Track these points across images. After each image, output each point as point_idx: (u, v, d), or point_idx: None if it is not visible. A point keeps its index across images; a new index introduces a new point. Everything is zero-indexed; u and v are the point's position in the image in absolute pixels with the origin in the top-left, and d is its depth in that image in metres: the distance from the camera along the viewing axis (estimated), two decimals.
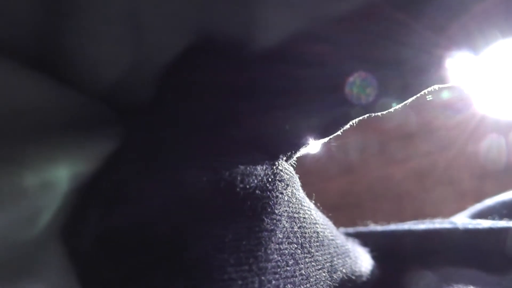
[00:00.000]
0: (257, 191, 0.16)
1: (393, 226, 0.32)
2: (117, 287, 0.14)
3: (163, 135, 0.16)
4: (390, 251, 0.28)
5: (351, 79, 0.17)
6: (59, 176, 0.13)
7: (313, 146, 0.20)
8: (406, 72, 0.17)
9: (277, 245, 0.17)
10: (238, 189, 0.16)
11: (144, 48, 0.16)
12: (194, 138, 0.16)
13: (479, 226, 0.28)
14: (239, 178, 0.16)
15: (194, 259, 0.14)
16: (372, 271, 0.26)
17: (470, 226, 0.28)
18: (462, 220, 0.32)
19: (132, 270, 0.14)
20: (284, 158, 0.19)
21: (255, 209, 0.16)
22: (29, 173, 0.13)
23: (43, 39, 0.15)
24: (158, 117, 0.17)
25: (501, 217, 0.29)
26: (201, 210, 0.15)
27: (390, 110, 0.19)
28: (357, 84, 0.17)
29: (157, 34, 0.16)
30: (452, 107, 1.19)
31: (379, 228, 0.31)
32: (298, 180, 0.20)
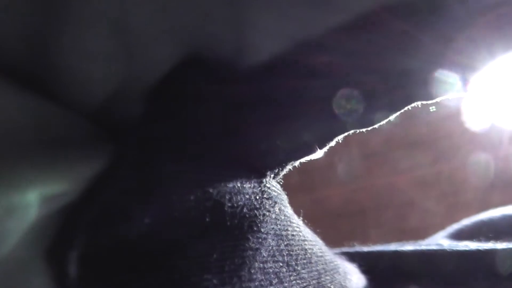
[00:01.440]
0: (244, 210, 0.16)
1: (379, 247, 0.31)
2: None
3: (151, 153, 0.16)
4: (376, 272, 0.28)
5: (343, 92, 0.17)
6: (32, 198, 0.13)
7: (311, 156, 0.20)
8: (411, 83, 0.17)
9: (261, 264, 0.17)
10: (226, 208, 0.16)
11: (135, 64, 0.16)
12: (183, 156, 0.16)
13: (466, 248, 0.28)
14: (227, 197, 0.16)
15: (178, 279, 0.14)
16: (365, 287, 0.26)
17: (457, 248, 0.28)
18: (447, 242, 0.32)
19: None
20: (272, 176, 0.19)
21: (241, 228, 0.16)
22: (10, 190, 0.13)
23: (33, 56, 0.15)
24: (147, 135, 0.17)
25: (484, 237, 0.29)
26: (188, 230, 0.15)
27: (383, 122, 0.19)
28: (350, 97, 0.17)
29: (147, 51, 0.16)
30: (457, 116, 1.19)
31: (365, 248, 0.31)
32: (285, 197, 0.20)
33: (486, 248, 0.27)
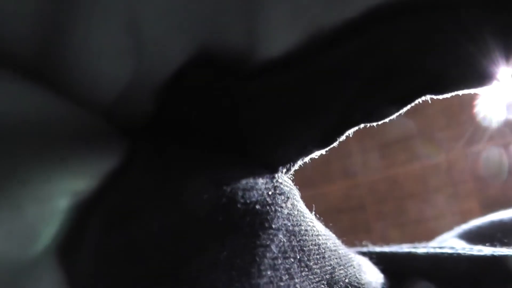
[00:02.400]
0: (257, 206, 0.16)
1: (391, 248, 0.31)
2: None
3: (163, 151, 0.16)
4: (390, 272, 0.28)
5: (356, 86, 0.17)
6: (58, 193, 0.13)
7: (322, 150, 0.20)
8: (425, 77, 0.17)
9: (271, 261, 0.17)
10: (238, 205, 0.16)
11: (146, 61, 0.16)
12: (196, 153, 0.16)
13: (481, 253, 0.27)
14: (240, 194, 0.16)
15: (187, 278, 0.14)
16: (382, 281, 0.26)
17: (471, 253, 0.27)
18: (459, 243, 0.32)
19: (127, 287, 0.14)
20: (284, 171, 0.19)
21: (253, 225, 0.16)
22: (26, 188, 0.13)
23: (42, 52, 0.15)
24: (159, 132, 0.17)
25: (498, 241, 0.29)
26: (200, 228, 0.15)
27: (394, 116, 0.19)
28: (362, 91, 0.17)
29: (159, 47, 0.16)
30: (454, 109, 1.19)
31: (377, 248, 0.31)
32: (297, 192, 0.20)
33: (502, 253, 0.27)
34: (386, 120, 0.19)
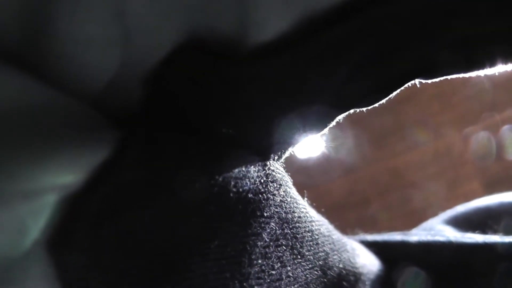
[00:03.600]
0: (249, 195, 0.16)
1: (384, 236, 0.31)
2: None
3: (155, 142, 0.16)
4: (383, 261, 0.28)
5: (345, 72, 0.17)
6: (47, 187, 0.13)
7: (307, 146, 0.20)
8: (416, 63, 0.17)
9: (262, 249, 0.17)
10: (231, 194, 0.16)
11: (134, 49, 0.15)
12: (187, 142, 0.16)
13: (473, 241, 0.27)
14: (232, 182, 0.16)
15: (178, 267, 0.14)
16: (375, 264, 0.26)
17: (463, 240, 0.28)
18: (450, 231, 0.32)
19: (119, 279, 0.14)
20: (276, 158, 0.19)
21: (245, 214, 0.16)
22: (15, 183, 0.12)
23: (28, 41, 0.14)
24: (149, 122, 0.16)
25: (488, 228, 0.29)
26: (192, 218, 0.15)
27: (383, 101, 0.19)
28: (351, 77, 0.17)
29: (147, 35, 0.15)
30: (447, 97, 1.20)
31: (368, 237, 0.31)
32: (290, 179, 0.20)
33: (493, 241, 0.27)
34: (376, 104, 0.19)
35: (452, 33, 0.17)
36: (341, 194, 1.40)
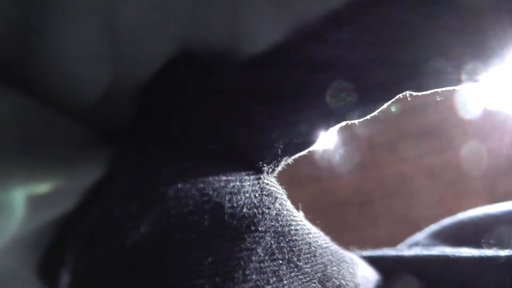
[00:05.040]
0: (244, 209, 0.16)
1: (379, 251, 0.31)
2: None
3: (148, 158, 0.15)
4: (380, 274, 0.28)
5: (337, 84, 0.17)
6: (17, 195, 0.12)
7: (306, 150, 0.19)
8: (421, 73, 0.17)
9: (257, 264, 0.16)
10: (225, 210, 0.16)
11: (125, 63, 0.15)
12: (180, 157, 0.16)
13: (468, 255, 0.27)
14: (227, 197, 0.16)
15: (171, 284, 0.14)
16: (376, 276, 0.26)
17: (460, 255, 0.27)
18: (441, 246, 0.32)
19: None
20: (269, 171, 0.19)
21: (239, 228, 0.16)
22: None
23: (16, 55, 0.14)
24: (141, 137, 0.16)
25: (478, 243, 0.29)
26: (185, 235, 0.15)
27: (375, 113, 0.19)
28: (343, 89, 0.17)
29: (138, 49, 0.15)
30: (465, 106, 1.18)
31: (364, 253, 0.31)
32: (284, 192, 0.20)
33: (490, 255, 0.26)
34: (368, 117, 0.19)
35: (459, 46, 0.16)
36: (346, 192, 1.39)
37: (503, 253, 0.26)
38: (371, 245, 0.33)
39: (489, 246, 0.28)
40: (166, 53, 0.16)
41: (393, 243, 0.37)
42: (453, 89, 0.18)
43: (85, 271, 0.13)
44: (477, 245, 0.28)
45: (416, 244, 0.34)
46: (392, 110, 0.19)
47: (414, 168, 1.33)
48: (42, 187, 0.13)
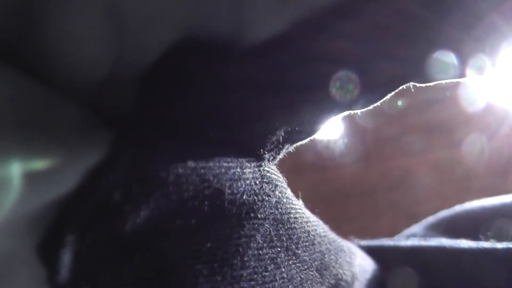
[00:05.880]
0: (244, 196, 0.16)
1: (377, 241, 0.31)
2: None
3: (149, 142, 0.15)
4: (377, 263, 0.28)
5: (341, 74, 0.17)
6: (13, 169, 0.12)
7: (308, 138, 0.20)
8: (427, 67, 0.17)
9: (256, 251, 0.17)
10: (225, 196, 0.16)
11: (128, 47, 0.15)
12: (181, 143, 0.16)
13: (466, 246, 0.27)
14: (227, 184, 0.16)
15: (169, 270, 0.14)
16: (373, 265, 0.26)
17: (457, 246, 0.27)
18: (437, 237, 0.32)
19: (109, 282, 0.14)
20: (271, 158, 0.19)
21: (239, 215, 0.16)
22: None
23: (21, 37, 0.14)
24: (142, 122, 0.16)
25: (472, 235, 0.29)
26: (185, 221, 0.15)
27: (378, 103, 0.19)
28: (346, 79, 0.17)
29: (141, 33, 0.15)
30: (472, 102, 1.18)
31: (363, 242, 0.31)
32: (284, 179, 0.20)
33: (489, 247, 0.27)
34: (373, 109, 0.19)
35: (469, 42, 0.17)
36: (349, 182, 1.39)
37: (500, 245, 0.26)
38: (371, 237, 0.33)
39: (486, 238, 0.28)
40: (170, 38, 0.16)
41: (393, 236, 0.37)
42: (462, 87, 0.18)
43: (84, 253, 0.13)
44: (474, 237, 0.29)
45: (413, 235, 0.34)
46: (399, 104, 0.19)
47: (418, 162, 1.33)
48: (40, 164, 0.13)
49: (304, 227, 0.20)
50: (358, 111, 0.19)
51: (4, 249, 0.13)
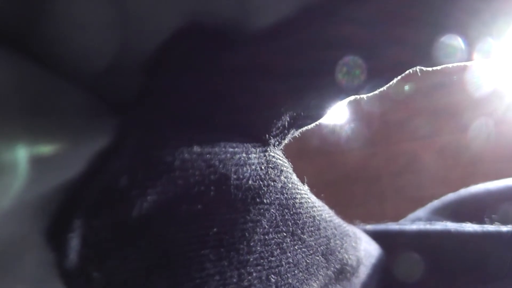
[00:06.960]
0: (250, 181, 0.16)
1: (382, 226, 0.31)
2: (101, 285, 0.14)
3: (153, 128, 0.15)
4: (382, 248, 0.28)
5: (347, 58, 0.17)
6: (19, 154, 0.12)
7: (313, 123, 0.19)
8: (434, 51, 0.17)
9: (262, 236, 0.17)
10: (231, 181, 0.16)
11: (132, 33, 0.15)
12: (187, 128, 0.16)
13: (471, 229, 0.27)
14: (233, 169, 0.16)
15: (176, 254, 0.14)
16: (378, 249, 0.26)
17: (462, 229, 0.28)
18: (442, 221, 0.32)
19: (116, 266, 0.14)
20: (276, 144, 0.19)
21: (245, 200, 0.16)
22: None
23: (26, 24, 0.14)
24: (148, 108, 0.16)
25: (480, 219, 0.29)
26: (191, 205, 0.15)
27: (384, 88, 0.19)
28: (352, 64, 0.17)
29: (146, 19, 0.15)
30: (479, 87, 1.17)
31: (369, 227, 0.31)
32: (290, 164, 0.20)
33: (492, 229, 0.27)
34: (376, 92, 0.19)
35: (477, 26, 0.16)
36: (354, 167, 1.39)
37: (505, 228, 0.26)
38: (377, 221, 0.33)
39: (491, 221, 0.28)
40: (175, 23, 0.15)
41: (399, 220, 0.37)
42: (469, 71, 0.18)
43: (92, 238, 0.14)
44: (479, 221, 0.29)
45: (418, 219, 0.34)
46: (405, 88, 0.19)
47: (424, 147, 1.32)
48: (46, 149, 0.13)
49: (310, 212, 0.20)
50: (365, 96, 0.19)
51: (13, 234, 0.13)
